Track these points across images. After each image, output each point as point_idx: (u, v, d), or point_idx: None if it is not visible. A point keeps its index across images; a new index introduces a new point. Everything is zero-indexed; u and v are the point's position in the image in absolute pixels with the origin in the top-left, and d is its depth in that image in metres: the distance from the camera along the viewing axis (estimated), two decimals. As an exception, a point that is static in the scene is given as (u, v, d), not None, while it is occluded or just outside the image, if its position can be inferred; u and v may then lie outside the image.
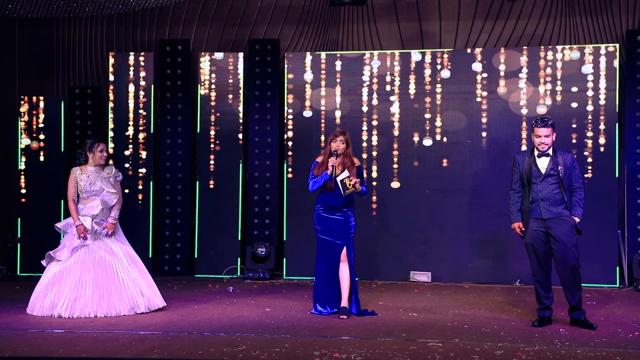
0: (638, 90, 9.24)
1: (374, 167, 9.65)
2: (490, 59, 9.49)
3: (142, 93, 10.07)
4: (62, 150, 10.09)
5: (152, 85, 10.10)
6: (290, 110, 9.86)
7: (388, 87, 9.68)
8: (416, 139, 9.61)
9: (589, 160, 9.19)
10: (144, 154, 10.04)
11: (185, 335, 6.14)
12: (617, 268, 9.10)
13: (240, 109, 10.00)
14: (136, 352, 5.53)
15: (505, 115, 9.44)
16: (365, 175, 8.64)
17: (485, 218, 9.41)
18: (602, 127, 9.21)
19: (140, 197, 9.97)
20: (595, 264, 8.95)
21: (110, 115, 10.11)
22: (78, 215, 7.24)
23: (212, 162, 9.99)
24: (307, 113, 9.82)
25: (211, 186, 9.99)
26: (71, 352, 5.53)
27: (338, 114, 9.76)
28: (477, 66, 9.50)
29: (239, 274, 9.78)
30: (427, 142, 9.55)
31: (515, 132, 9.40)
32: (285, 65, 9.92)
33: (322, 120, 9.79)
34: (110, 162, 8.60)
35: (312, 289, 7.54)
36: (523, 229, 6.69)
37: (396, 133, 9.66)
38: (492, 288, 8.99)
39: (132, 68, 10.08)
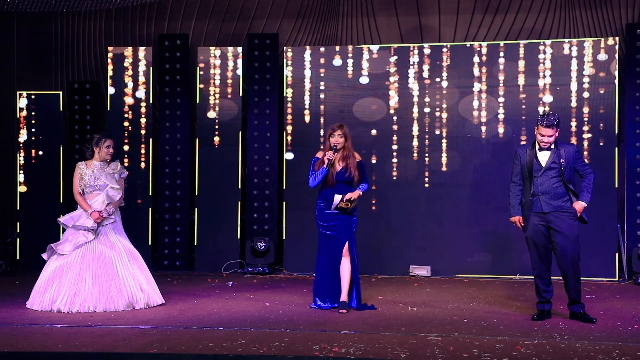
0: (637, 84, 9.23)
1: (373, 161, 9.64)
2: (489, 53, 9.48)
3: (141, 88, 10.05)
4: (61, 145, 10.08)
5: (151, 80, 10.08)
6: (290, 105, 9.85)
7: (387, 81, 9.67)
8: (415, 133, 9.60)
9: (589, 153, 9.18)
10: (143, 149, 10.03)
11: (185, 330, 6.14)
12: (617, 261, 9.10)
13: (239, 103, 9.99)
14: (135, 346, 5.53)
15: (504, 109, 9.43)
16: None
17: (484, 212, 9.41)
18: (601, 120, 9.20)
19: (139, 192, 9.96)
20: (595, 257, 8.95)
21: (109, 109, 10.10)
22: (87, 204, 7.25)
23: (211, 156, 9.98)
24: (306, 107, 9.82)
25: (210, 181, 9.98)
26: (70, 346, 5.53)
27: (337, 108, 9.75)
28: (476, 60, 9.49)
29: (239, 269, 9.79)
30: (425, 138, 9.57)
31: (515, 126, 9.39)
32: (285, 60, 9.91)
33: (322, 115, 9.78)
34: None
35: (311, 284, 7.54)
36: (523, 224, 6.69)
37: (395, 127, 9.65)
38: (491, 282, 8.99)
39: (130, 63, 10.07)
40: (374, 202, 9.67)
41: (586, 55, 9.24)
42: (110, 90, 10.09)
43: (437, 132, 9.57)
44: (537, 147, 6.65)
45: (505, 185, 7.00)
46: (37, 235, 9.68)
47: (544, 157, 6.61)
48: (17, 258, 9.97)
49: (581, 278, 6.64)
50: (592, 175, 6.65)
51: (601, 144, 9.19)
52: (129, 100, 10.06)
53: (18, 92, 10.17)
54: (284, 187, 9.87)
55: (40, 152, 10.05)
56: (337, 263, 7.06)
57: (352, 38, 10.16)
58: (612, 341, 5.71)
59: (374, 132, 9.66)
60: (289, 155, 9.76)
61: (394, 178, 9.65)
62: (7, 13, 10.20)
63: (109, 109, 10.10)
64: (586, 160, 9.14)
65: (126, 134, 10.03)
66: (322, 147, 7.64)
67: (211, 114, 9.99)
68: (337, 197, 6.98)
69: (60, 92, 10.29)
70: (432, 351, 5.38)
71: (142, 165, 10.03)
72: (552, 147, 6.61)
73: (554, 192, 6.55)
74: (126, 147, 10.01)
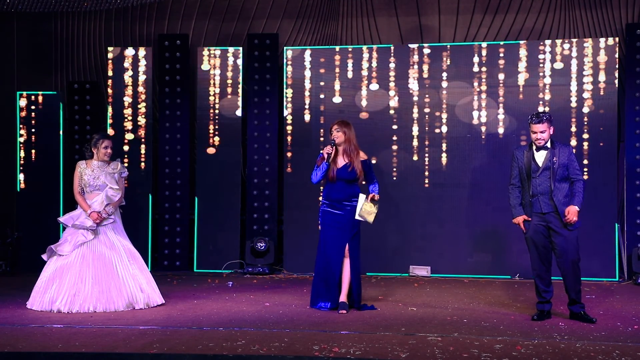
0: (637, 84, 9.23)
1: (373, 161, 9.63)
2: (489, 53, 9.48)
3: (141, 88, 10.05)
4: (61, 145, 10.07)
5: (151, 80, 10.08)
6: (289, 105, 9.85)
7: (387, 81, 9.67)
8: (415, 133, 9.61)
9: (588, 153, 9.18)
10: (143, 149, 10.03)
11: (185, 330, 6.14)
12: (617, 262, 9.10)
13: (240, 103, 9.99)
14: (135, 347, 5.53)
15: (504, 109, 9.43)
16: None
17: (484, 212, 9.41)
18: (601, 120, 9.20)
19: (139, 192, 9.96)
20: (595, 257, 8.95)
21: (109, 110, 10.10)
22: (87, 204, 7.25)
23: (211, 156, 9.98)
24: (306, 108, 9.82)
25: (210, 181, 9.97)
26: (70, 347, 5.53)
27: (337, 108, 9.75)
28: (476, 60, 9.49)
29: (238, 269, 9.80)
30: (425, 138, 9.57)
31: (515, 127, 9.39)
32: (284, 60, 9.91)
33: (322, 115, 9.78)
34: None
35: (311, 284, 7.52)
36: (528, 219, 6.64)
37: (395, 127, 9.66)
38: (491, 282, 8.99)
39: (130, 63, 10.07)
40: (374, 202, 9.66)
41: (586, 56, 9.24)
42: (110, 90, 10.09)
43: (437, 132, 9.57)
44: (533, 147, 6.65)
45: (505, 186, 6.99)
46: (37, 235, 9.68)
47: (540, 157, 6.61)
48: (17, 258, 9.96)
49: (581, 278, 6.64)
50: (581, 182, 6.61)
51: (601, 144, 9.19)
52: (128, 100, 10.06)
53: (18, 93, 10.17)
54: (284, 187, 9.86)
55: (40, 152, 10.05)
56: (338, 264, 7.01)
57: (352, 38, 10.17)
58: (612, 341, 5.71)
59: (374, 131, 9.66)
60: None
61: (394, 178, 9.65)
62: (7, 13, 10.20)
63: (108, 109, 10.10)
64: (585, 161, 9.15)
65: (126, 134, 10.02)
66: (321, 147, 7.64)
67: (211, 114, 9.99)
68: (362, 197, 6.93)
69: (61, 93, 10.28)
70: (432, 351, 5.38)
71: (142, 165, 10.03)
72: (549, 146, 6.61)
73: (551, 191, 6.54)
74: (126, 147, 10.01)
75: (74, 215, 7.30)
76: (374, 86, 9.67)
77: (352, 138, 7.05)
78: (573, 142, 9.18)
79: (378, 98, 9.69)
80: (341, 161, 7.05)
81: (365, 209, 6.90)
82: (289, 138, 9.84)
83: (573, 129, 9.24)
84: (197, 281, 9.05)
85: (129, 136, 9.98)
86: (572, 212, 6.47)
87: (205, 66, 10.00)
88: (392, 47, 9.71)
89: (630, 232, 9.16)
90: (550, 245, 6.60)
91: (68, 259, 7.15)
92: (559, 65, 9.30)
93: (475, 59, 9.50)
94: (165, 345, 5.57)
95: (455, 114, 9.55)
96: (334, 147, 7.04)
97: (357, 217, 6.93)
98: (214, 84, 10.01)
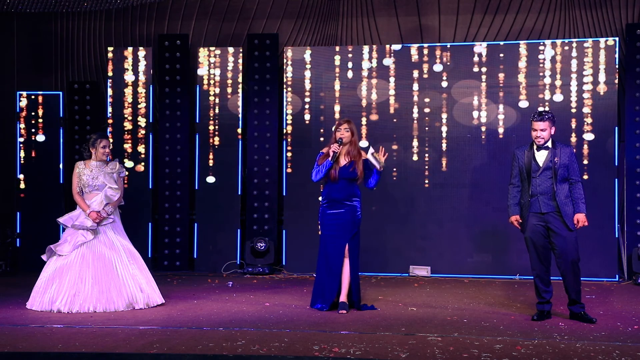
0: (637, 84, 9.23)
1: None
2: (489, 53, 9.48)
3: (140, 88, 10.05)
4: (61, 145, 10.08)
5: (151, 80, 10.09)
6: (290, 105, 9.85)
7: (387, 82, 9.67)
8: (415, 133, 9.61)
9: (588, 154, 9.18)
10: (143, 149, 10.04)
11: (185, 330, 6.14)
12: (617, 262, 9.10)
13: (239, 103, 9.99)
14: (135, 347, 5.53)
15: (504, 109, 9.43)
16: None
17: (484, 212, 9.41)
18: (601, 120, 9.20)
19: (139, 192, 9.95)
20: (595, 257, 8.95)
21: (109, 110, 10.10)
22: (86, 204, 7.25)
23: (211, 157, 9.99)
24: (306, 108, 9.82)
25: (210, 181, 9.97)
26: (70, 347, 5.53)
27: (337, 108, 9.75)
28: (476, 60, 9.49)
29: (238, 269, 9.80)
30: (425, 138, 9.57)
31: (515, 127, 9.39)
32: (284, 60, 9.91)
33: (321, 115, 9.78)
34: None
35: (311, 284, 7.52)
36: (520, 221, 6.68)
37: (395, 127, 9.65)
38: (491, 282, 8.99)
39: (130, 63, 10.07)
40: (373, 202, 9.66)
41: (586, 56, 9.24)
42: (110, 90, 10.09)
43: (437, 132, 9.56)
44: (534, 147, 6.65)
45: (505, 186, 6.99)
46: (37, 235, 9.68)
47: (541, 157, 6.61)
48: (17, 258, 9.97)
49: (581, 278, 6.64)
50: (580, 185, 6.62)
51: (601, 144, 9.18)
52: (128, 100, 10.06)
53: (18, 92, 10.17)
54: (284, 187, 9.86)
55: (40, 152, 10.05)
56: (337, 264, 7.01)
57: (352, 38, 10.17)
58: (612, 341, 5.71)
59: (373, 132, 9.66)
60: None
61: (394, 178, 9.65)
62: (7, 13, 10.20)
63: (108, 109, 10.10)
64: (585, 161, 9.15)
65: (126, 134, 10.03)
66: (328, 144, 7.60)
67: (211, 114, 9.99)
68: (371, 149, 6.94)
69: (61, 92, 10.29)
70: (432, 351, 5.38)
71: (142, 165, 10.02)
72: (550, 146, 6.60)
73: (551, 192, 6.54)
74: (126, 147, 10.01)
75: (73, 216, 7.30)
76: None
77: (356, 138, 7.08)
78: (573, 143, 9.17)
79: (377, 98, 9.69)
80: (343, 160, 7.05)
81: (375, 156, 6.93)
82: (289, 138, 9.84)
83: (573, 128, 9.24)
84: (197, 281, 9.06)
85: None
86: (581, 221, 6.53)
87: (205, 66, 10.00)
88: (392, 47, 9.70)
89: (630, 232, 9.16)
90: (549, 245, 6.60)
91: (68, 259, 7.14)
92: (558, 65, 9.30)
93: (475, 59, 9.50)
94: (165, 345, 5.57)
95: (455, 114, 9.55)
96: (340, 146, 7.03)
97: (369, 156, 6.93)
98: (214, 83, 10.01)
